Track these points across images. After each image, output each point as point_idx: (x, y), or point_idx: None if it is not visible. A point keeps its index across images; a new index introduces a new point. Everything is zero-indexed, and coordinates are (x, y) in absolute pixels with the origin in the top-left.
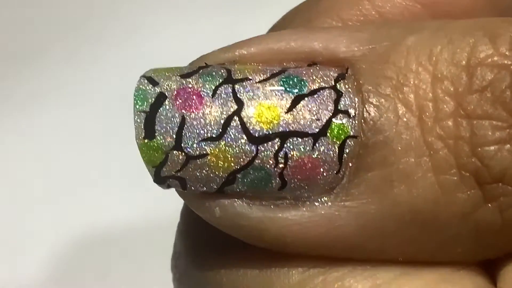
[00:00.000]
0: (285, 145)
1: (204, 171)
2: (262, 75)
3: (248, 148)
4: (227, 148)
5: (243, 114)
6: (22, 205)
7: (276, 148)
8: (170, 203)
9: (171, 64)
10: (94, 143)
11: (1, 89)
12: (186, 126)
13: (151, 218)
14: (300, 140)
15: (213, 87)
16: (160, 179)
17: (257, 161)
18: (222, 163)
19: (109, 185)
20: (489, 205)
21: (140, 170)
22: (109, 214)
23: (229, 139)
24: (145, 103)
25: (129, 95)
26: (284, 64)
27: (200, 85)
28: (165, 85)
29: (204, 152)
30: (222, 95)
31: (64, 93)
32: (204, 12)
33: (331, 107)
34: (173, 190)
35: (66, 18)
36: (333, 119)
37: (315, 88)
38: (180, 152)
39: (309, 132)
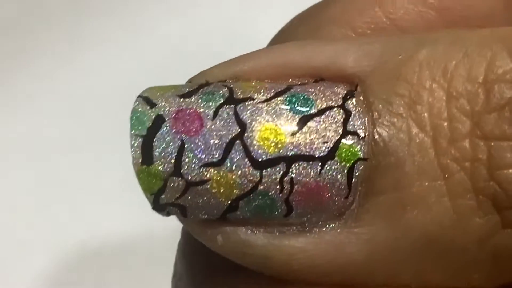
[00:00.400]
0: (290, 170)
1: (205, 198)
2: (266, 93)
3: (252, 173)
4: (229, 173)
5: (246, 137)
6: (20, 214)
7: (281, 173)
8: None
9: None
10: (94, 151)
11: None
12: (185, 150)
13: (152, 228)
14: (306, 164)
15: (214, 108)
16: (159, 207)
17: (261, 186)
18: (224, 189)
19: (109, 194)
20: (508, 230)
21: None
22: (109, 224)
23: (231, 164)
24: (142, 126)
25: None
26: (290, 80)
27: (201, 106)
28: (163, 107)
29: (205, 178)
30: (224, 116)
31: (62, 96)
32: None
33: (339, 128)
34: None
35: (65, 17)
36: (342, 141)
37: (322, 107)
38: (179, 179)
39: (316, 155)
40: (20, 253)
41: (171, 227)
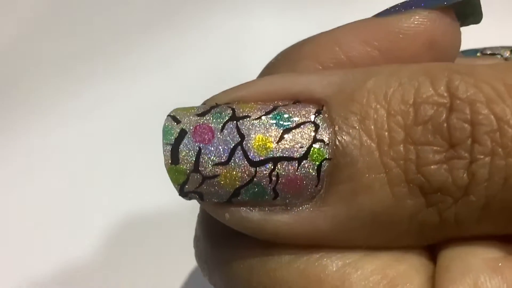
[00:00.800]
0: (276, 167)
1: (216, 187)
2: (258, 112)
3: (249, 170)
4: (233, 170)
5: (244, 144)
6: (74, 194)
7: (270, 169)
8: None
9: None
10: (136, 145)
11: (57, 100)
12: (202, 154)
13: (181, 206)
14: (287, 162)
15: (222, 124)
16: (184, 194)
17: (255, 179)
18: (229, 181)
19: (147, 183)
20: (430, 208)
21: None
22: (153, 202)
23: (234, 164)
24: (171, 137)
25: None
26: (275, 102)
27: (212, 122)
28: (185, 123)
29: (216, 173)
30: (229, 129)
31: (111, 105)
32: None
33: (311, 137)
34: None
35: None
36: (313, 146)
37: (299, 122)
38: (198, 174)
39: (295, 156)
40: (74, 227)
41: (192, 207)
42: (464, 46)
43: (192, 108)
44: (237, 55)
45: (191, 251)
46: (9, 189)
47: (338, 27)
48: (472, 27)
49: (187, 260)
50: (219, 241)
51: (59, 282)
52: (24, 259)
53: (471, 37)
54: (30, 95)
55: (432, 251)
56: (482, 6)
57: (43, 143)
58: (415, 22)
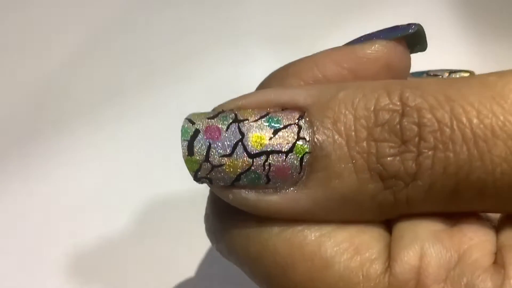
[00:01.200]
0: (268, 158)
1: (222, 174)
2: (255, 116)
3: (248, 161)
4: (235, 161)
5: (244, 140)
6: (107, 180)
7: (264, 160)
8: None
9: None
10: (159, 145)
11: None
12: (211, 148)
13: (195, 190)
14: (277, 155)
15: (227, 125)
16: (197, 179)
17: (253, 168)
18: (232, 169)
19: (170, 171)
20: (387, 191)
21: None
22: (171, 188)
23: (236, 156)
24: (187, 135)
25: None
26: (268, 109)
27: (219, 123)
28: (199, 124)
29: (222, 163)
30: (232, 129)
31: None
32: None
33: (295, 135)
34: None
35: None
36: (297, 142)
37: (286, 124)
38: (208, 163)
39: (283, 150)
40: (110, 204)
41: (203, 195)
42: (413, 69)
43: (204, 113)
44: (237, 87)
45: (202, 226)
46: (55, 177)
47: (317, 53)
48: (419, 54)
49: (199, 234)
50: (224, 217)
51: (95, 251)
52: (68, 230)
53: (418, 61)
54: (76, 103)
55: (388, 225)
56: (427, 38)
57: (91, 143)
58: (376, 49)
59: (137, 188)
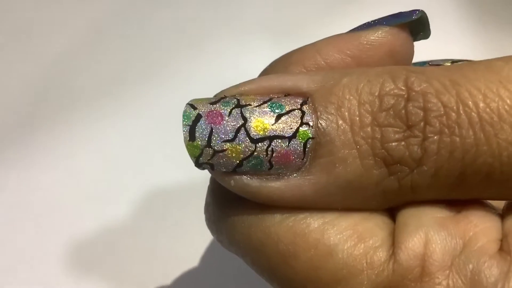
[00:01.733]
0: (271, 144)
1: (224, 159)
2: (258, 102)
3: (250, 146)
4: (238, 146)
5: (247, 125)
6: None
7: (266, 145)
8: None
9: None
10: (161, 137)
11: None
12: (213, 133)
13: (194, 180)
14: (280, 140)
15: (229, 110)
16: (199, 165)
17: (255, 153)
18: (235, 154)
19: (172, 162)
20: (391, 177)
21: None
22: (170, 178)
23: (239, 140)
24: (189, 120)
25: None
26: (271, 95)
27: (222, 108)
28: (201, 109)
29: (224, 148)
30: (235, 114)
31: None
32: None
33: (299, 121)
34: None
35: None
36: (300, 128)
37: (289, 109)
38: (210, 149)
39: (286, 136)
40: (110, 193)
41: (202, 185)
42: (415, 59)
43: (206, 98)
44: (237, 77)
45: (202, 218)
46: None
47: (319, 40)
48: (421, 44)
49: (198, 225)
50: (225, 205)
51: (96, 237)
52: (68, 221)
53: (421, 51)
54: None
55: (392, 213)
56: (430, 26)
57: (91, 134)
58: (379, 36)
59: (137, 179)
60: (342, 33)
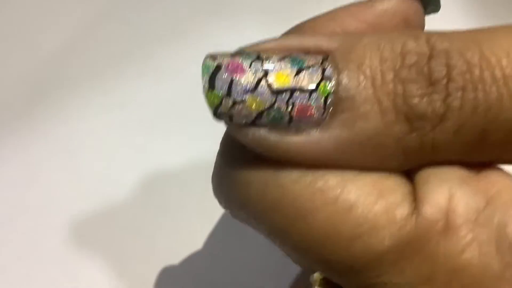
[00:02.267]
0: (292, 96)
1: (244, 110)
2: (279, 56)
3: (270, 98)
4: (257, 97)
5: (267, 77)
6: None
7: (287, 98)
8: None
9: None
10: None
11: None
12: (233, 84)
13: (201, 152)
14: (300, 93)
15: (250, 62)
16: (217, 115)
17: (275, 105)
18: (255, 105)
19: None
20: (413, 134)
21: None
22: (177, 155)
23: (259, 91)
24: (209, 70)
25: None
26: (291, 52)
27: (242, 61)
28: (221, 60)
29: (244, 99)
30: (256, 66)
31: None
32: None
33: (320, 75)
34: (213, 142)
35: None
36: (321, 83)
37: (310, 64)
38: (229, 98)
39: (306, 89)
40: (110, 172)
41: (206, 169)
42: None
43: (226, 52)
44: None
45: (206, 198)
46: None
47: (335, 8)
48: (428, 23)
49: (202, 206)
50: (238, 164)
51: (100, 218)
52: (69, 202)
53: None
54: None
55: (410, 178)
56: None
57: (92, 113)
58: (394, 3)
59: (140, 159)
60: (356, 2)
